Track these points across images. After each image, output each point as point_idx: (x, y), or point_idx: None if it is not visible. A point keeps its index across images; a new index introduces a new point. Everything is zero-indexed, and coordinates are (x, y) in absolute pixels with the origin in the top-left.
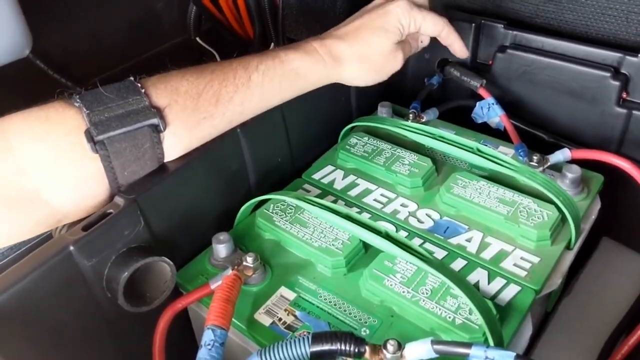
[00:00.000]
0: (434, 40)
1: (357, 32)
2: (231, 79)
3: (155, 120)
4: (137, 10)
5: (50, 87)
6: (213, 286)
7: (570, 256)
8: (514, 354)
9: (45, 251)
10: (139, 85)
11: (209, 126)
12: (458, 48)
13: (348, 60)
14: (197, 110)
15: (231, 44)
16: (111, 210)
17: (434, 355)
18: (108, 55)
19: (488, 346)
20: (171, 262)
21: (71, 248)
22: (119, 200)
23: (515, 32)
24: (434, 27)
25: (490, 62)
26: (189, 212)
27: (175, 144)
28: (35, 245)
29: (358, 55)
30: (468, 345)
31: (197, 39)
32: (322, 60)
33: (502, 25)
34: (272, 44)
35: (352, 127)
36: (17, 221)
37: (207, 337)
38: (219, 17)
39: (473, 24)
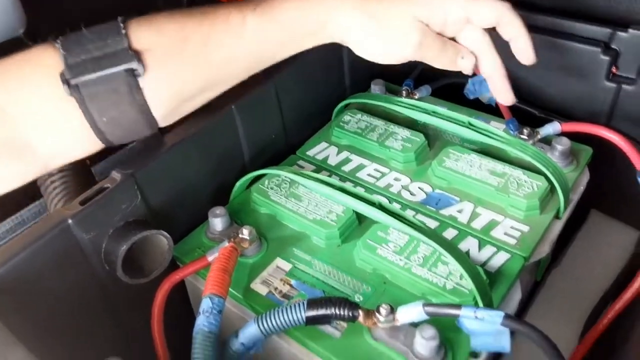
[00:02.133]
0: None
1: None
2: (223, 21)
3: (133, 64)
4: None
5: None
6: (210, 258)
7: (559, 225)
8: (503, 313)
9: (43, 225)
10: (122, 26)
11: (197, 73)
12: (523, 46)
13: (354, 16)
14: (182, 54)
15: None
16: (108, 185)
17: (426, 317)
18: None
19: (478, 307)
20: (168, 235)
21: (69, 221)
22: (115, 175)
23: None
24: (487, 8)
25: None
26: (185, 187)
27: (160, 91)
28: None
29: (370, 12)
30: (458, 306)
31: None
32: (326, 2)
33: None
34: None
35: (346, 105)
36: (2, 167)
37: (206, 304)
38: None
39: None
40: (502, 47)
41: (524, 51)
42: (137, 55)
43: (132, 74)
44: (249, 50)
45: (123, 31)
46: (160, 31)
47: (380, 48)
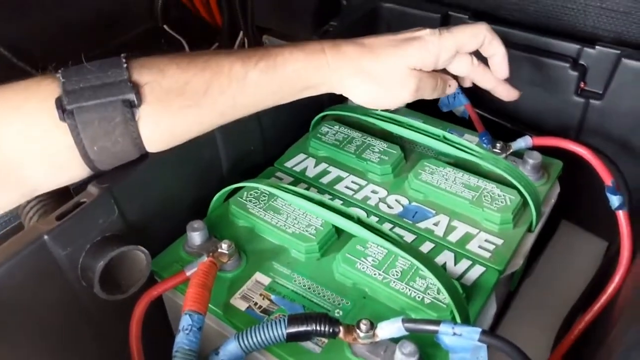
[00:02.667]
0: None
1: (374, 45)
2: (226, 72)
3: (130, 95)
4: None
5: (18, 78)
6: (188, 273)
7: (531, 238)
8: (480, 329)
9: (18, 241)
10: (124, 61)
11: (194, 115)
12: (499, 61)
13: (353, 75)
14: (182, 96)
15: (199, 32)
16: (85, 200)
17: (405, 333)
18: (75, 43)
19: (456, 323)
20: (146, 251)
21: (45, 237)
22: (92, 189)
23: None
24: (472, 38)
25: None
26: (162, 201)
27: (155, 126)
28: (5, 237)
29: (367, 70)
30: (437, 322)
31: (165, 26)
32: (326, 64)
33: (467, 17)
34: (241, 33)
35: (324, 116)
36: None
37: (185, 322)
38: (187, 4)
39: (439, 15)
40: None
41: (500, 66)
42: (135, 88)
43: (129, 105)
44: (249, 101)
45: (124, 65)
46: (162, 71)
47: (380, 99)
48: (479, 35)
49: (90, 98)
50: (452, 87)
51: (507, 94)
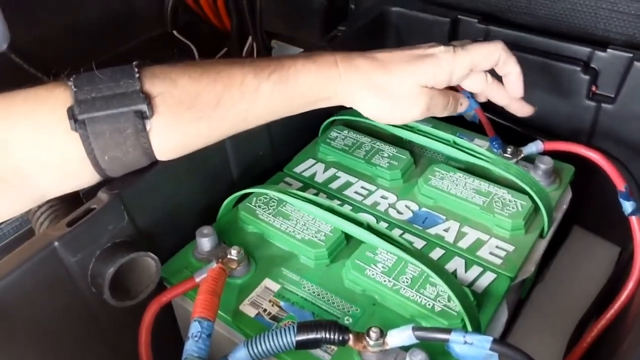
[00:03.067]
0: (412, 36)
1: (387, 60)
2: (237, 85)
3: (142, 107)
4: (113, 3)
5: (27, 83)
6: (198, 279)
7: (543, 244)
8: (492, 338)
9: (29, 247)
10: (136, 70)
11: (206, 127)
12: (514, 80)
13: (365, 88)
14: (193, 108)
15: (208, 38)
16: (95, 206)
17: (415, 341)
18: (85, 48)
19: (467, 331)
20: (156, 257)
21: (56, 244)
22: (102, 195)
23: (489, 27)
24: (487, 57)
25: None
26: (172, 207)
27: (166, 137)
28: (16, 242)
29: (378, 84)
30: (448, 330)
31: (174, 32)
32: (338, 77)
33: (477, 20)
34: (250, 38)
35: (332, 121)
36: (0, 196)
37: (194, 329)
38: (195, 9)
39: (449, 19)
40: None
41: (515, 85)
42: (147, 99)
43: (140, 116)
44: (260, 113)
45: (136, 75)
46: (174, 82)
47: (390, 114)
48: (494, 54)
49: (102, 108)
50: (464, 106)
51: (521, 110)
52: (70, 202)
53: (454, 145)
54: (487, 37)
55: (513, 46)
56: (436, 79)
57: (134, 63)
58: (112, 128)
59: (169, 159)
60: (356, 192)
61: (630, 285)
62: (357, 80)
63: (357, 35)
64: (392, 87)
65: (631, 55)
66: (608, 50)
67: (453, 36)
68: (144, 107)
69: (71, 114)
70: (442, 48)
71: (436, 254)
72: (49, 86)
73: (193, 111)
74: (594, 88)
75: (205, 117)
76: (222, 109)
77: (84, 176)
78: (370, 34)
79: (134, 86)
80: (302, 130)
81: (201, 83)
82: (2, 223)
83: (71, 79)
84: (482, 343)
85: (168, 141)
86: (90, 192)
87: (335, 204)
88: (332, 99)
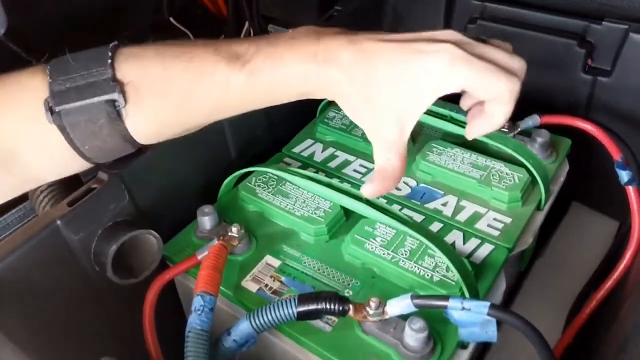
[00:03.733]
0: (408, 14)
1: (375, 51)
2: (208, 74)
3: (114, 95)
4: None
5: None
6: (200, 257)
7: (540, 216)
8: (489, 303)
9: (32, 226)
10: (110, 54)
11: (182, 115)
12: (487, 123)
13: (347, 92)
14: (166, 97)
15: (205, 23)
16: (95, 185)
17: (414, 309)
18: (81, 35)
19: (464, 298)
20: (157, 235)
21: (58, 222)
22: (102, 175)
23: (484, 4)
24: (488, 88)
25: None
26: (173, 187)
27: (143, 124)
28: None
29: (359, 82)
30: (446, 297)
31: (171, 19)
32: (315, 73)
33: None
34: (247, 23)
35: (330, 101)
36: None
37: (197, 303)
38: None
39: None
40: None
41: (482, 126)
42: (119, 87)
43: (113, 105)
44: (234, 104)
45: (109, 61)
46: (145, 68)
47: (366, 124)
48: (495, 90)
49: (75, 99)
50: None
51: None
52: (71, 184)
53: (451, 120)
54: (483, 14)
55: (508, 21)
56: (437, 93)
57: (110, 45)
58: (86, 119)
59: (152, 144)
60: (355, 170)
61: (628, 255)
62: (335, 76)
63: (354, 14)
64: (374, 88)
65: (626, 27)
66: (603, 23)
67: (449, 14)
68: (115, 95)
69: (47, 106)
70: (440, 54)
71: (434, 227)
72: (29, 73)
73: (165, 99)
74: (589, 62)
75: (178, 106)
76: (195, 99)
77: (73, 163)
78: (367, 12)
79: (106, 74)
80: (300, 111)
81: (173, 69)
82: (5, 213)
83: (47, 67)
84: (479, 309)
85: (146, 128)
86: (90, 173)
87: (334, 181)
88: (312, 94)
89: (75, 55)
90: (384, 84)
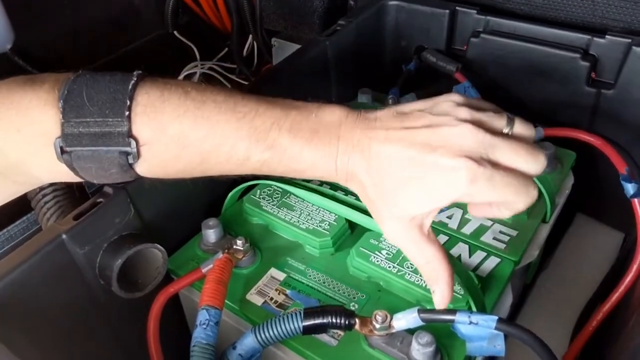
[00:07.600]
0: (411, 29)
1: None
2: (227, 148)
3: (127, 149)
4: (114, 5)
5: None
6: (204, 270)
7: (546, 229)
8: (497, 317)
9: (38, 240)
10: (128, 103)
11: (195, 171)
12: (500, 215)
13: (367, 197)
14: (178, 159)
15: (209, 37)
16: (101, 200)
17: (421, 323)
18: (86, 50)
19: (472, 312)
20: (162, 248)
21: (63, 236)
22: (108, 189)
23: (488, 18)
24: (490, 193)
25: (465, 48)
26: (177, 199)
27: (154, 170)
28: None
29: (376, 188)
30: (453, 312)
31: (175, 32)
32: (334, 172)
33: (475, 11)
34: (250, 37)
35: None
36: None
37: (202, 316)
38: (196, 10)
39: (447, 11)
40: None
41: (479, 212)
42: (134, 142)
43: (126, 157)
44: (247, 172)
45: (127, 113)
46: (162, 130)
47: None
48: (513, 208)
49: (88, 145)
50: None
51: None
52: (77, 199)
53: None
54: (486, 28)
55: (512, 36)
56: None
57: (129, 87)
58: (98, 166)
59: None
60: None
61: (634, 267)
62: (354, 187)
63: (357, 29)
64: (387, 205)
65: (629, 40)
66: (606, 36)
67: (452, 28)
68: (129, 149)
69: (58, 144)
70: (463, 171)
71: (440, 240)
72: (40, 102)
73: (179, 160)
74: (593, 75)
75: (192, 165)
76: (207, 165)
77: (78, 179)
78: (369, 26)
79: (122, 126)
80: None
81: (190, 137)
82: (10, 225)
83: (60, 101)
84: (487, 323)
85: (155, 174)
86: (95, 186)
87: (339, 193)
88: (327, 178)
89: (90, 93)
90: (402, 192)
